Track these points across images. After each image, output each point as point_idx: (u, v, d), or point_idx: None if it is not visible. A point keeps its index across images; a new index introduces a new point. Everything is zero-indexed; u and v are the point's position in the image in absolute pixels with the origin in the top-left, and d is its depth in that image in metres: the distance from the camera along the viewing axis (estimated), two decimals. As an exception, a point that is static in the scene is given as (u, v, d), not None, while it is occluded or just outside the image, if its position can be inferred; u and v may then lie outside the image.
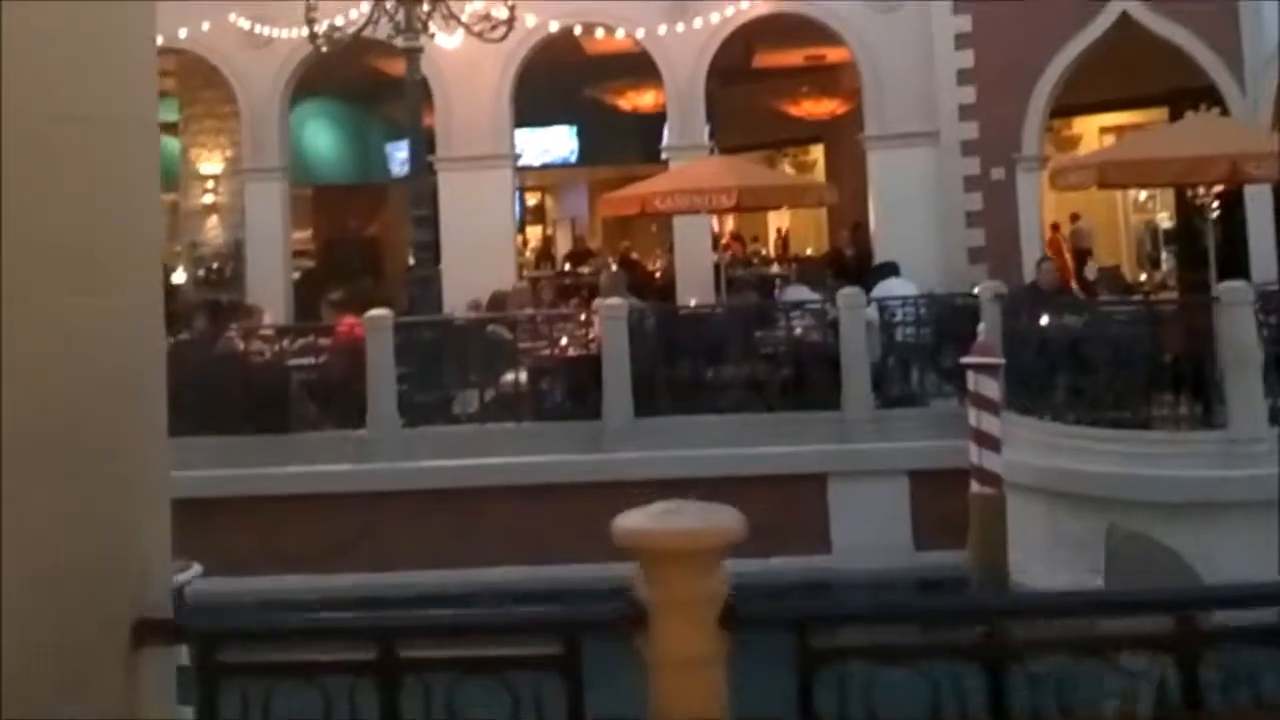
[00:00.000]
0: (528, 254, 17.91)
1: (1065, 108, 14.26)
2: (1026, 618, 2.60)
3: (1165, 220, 17.13)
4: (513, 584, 10.71)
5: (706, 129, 13.98)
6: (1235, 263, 12.60)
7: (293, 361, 11.90)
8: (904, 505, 11.01)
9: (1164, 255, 16.95)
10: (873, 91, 13.72)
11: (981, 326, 10.26)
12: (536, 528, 11.07)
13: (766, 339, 11.59)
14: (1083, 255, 16.36)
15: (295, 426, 11.53)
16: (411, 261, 13.29)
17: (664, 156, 14.38)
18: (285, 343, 12.28)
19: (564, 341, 11.89)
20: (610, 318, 11.24)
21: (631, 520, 2.32)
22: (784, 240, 19.65)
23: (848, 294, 11.15)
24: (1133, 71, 13.81)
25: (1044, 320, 10.22)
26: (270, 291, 14.77)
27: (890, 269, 12.27)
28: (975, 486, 9.90)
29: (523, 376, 11.76)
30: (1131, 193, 16.18)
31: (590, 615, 2.48)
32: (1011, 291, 11.13)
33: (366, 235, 19.00)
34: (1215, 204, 15.60)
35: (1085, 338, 9.81)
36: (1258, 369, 9.08)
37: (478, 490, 11.20)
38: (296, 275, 16.06)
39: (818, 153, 19.32)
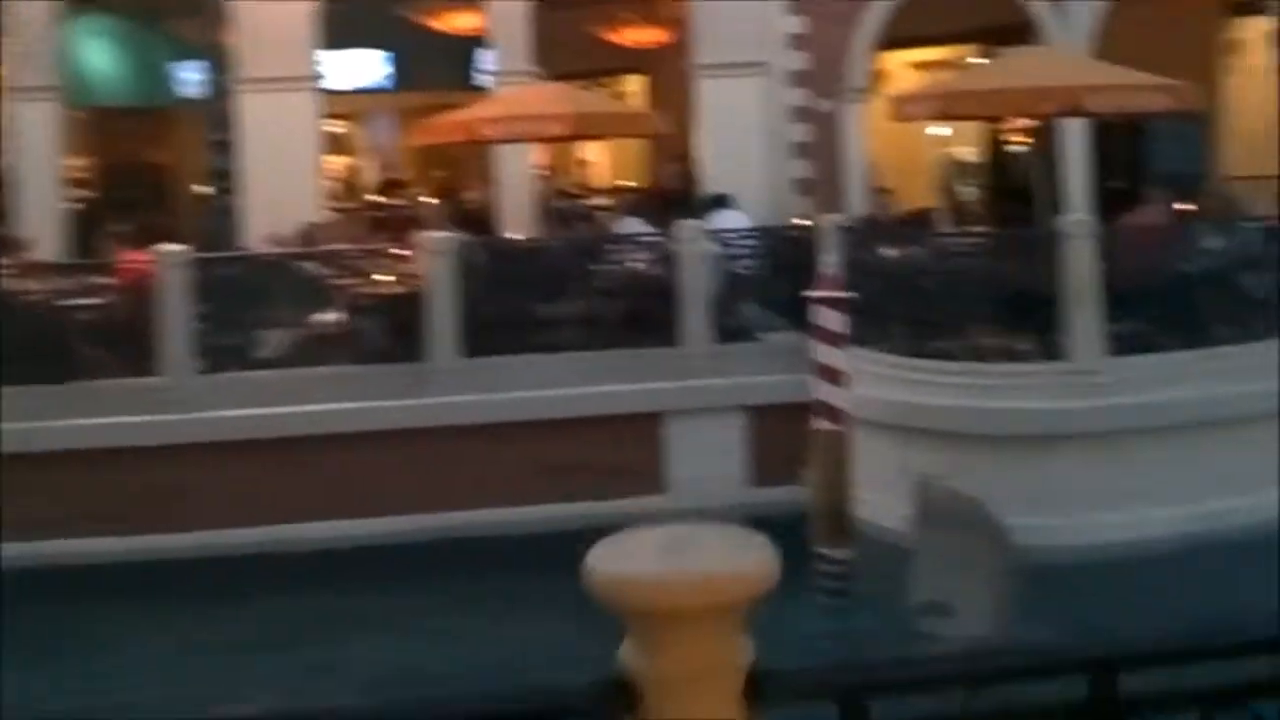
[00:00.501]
0: (334, 184, 16.83)
1: (890, 41, 14.15)
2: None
3: (969, 155, 17.32)
4: (333, 540, 10.04)
5: (532, 54, 13.27)
6: (1045, 196, 12.82)
7: (71, 301, 10.76)
8: (743, 442, 10.80)
9: (966, 190, 17.13)
10: (702, 19, 13.28)
11: (825, 259, 10.03)
12: (358, 479, 10.38)
13: (601, 274, 11.10)
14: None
15: (77, 374, 10.43)
16: (208, 191, 12.20)
17: (483, 83, 13.59)
18: (61, 280, 11.09)
19: (384, 278, 11.10)
20: (435, 251, 10.53)
21: (620, 563, 1.69)
22: (602, 173, 19.13)
23: (686, 227, 10.75)
24: (952, 6, 13.80)
25: (885, 252, 10.06)
26: (43, 223, 13.34)
27: (722, 201, 11.93)
28: (818, 422, 9.71)
29: (338, 316, 10.95)
30: (931, 127, 16.20)
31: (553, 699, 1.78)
32: (851, 223, 10.96)
33: (153, 162, 17.51)
34: (1023, 139, 15.96)
35: (927, 270, 9.70)
36: (1096, 301, 9.15)
37: (291, 440, 10.39)
38: (74, 206, 14.59)
39: (634, 84, 18.81)
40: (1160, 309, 9.45)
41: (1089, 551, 8.87)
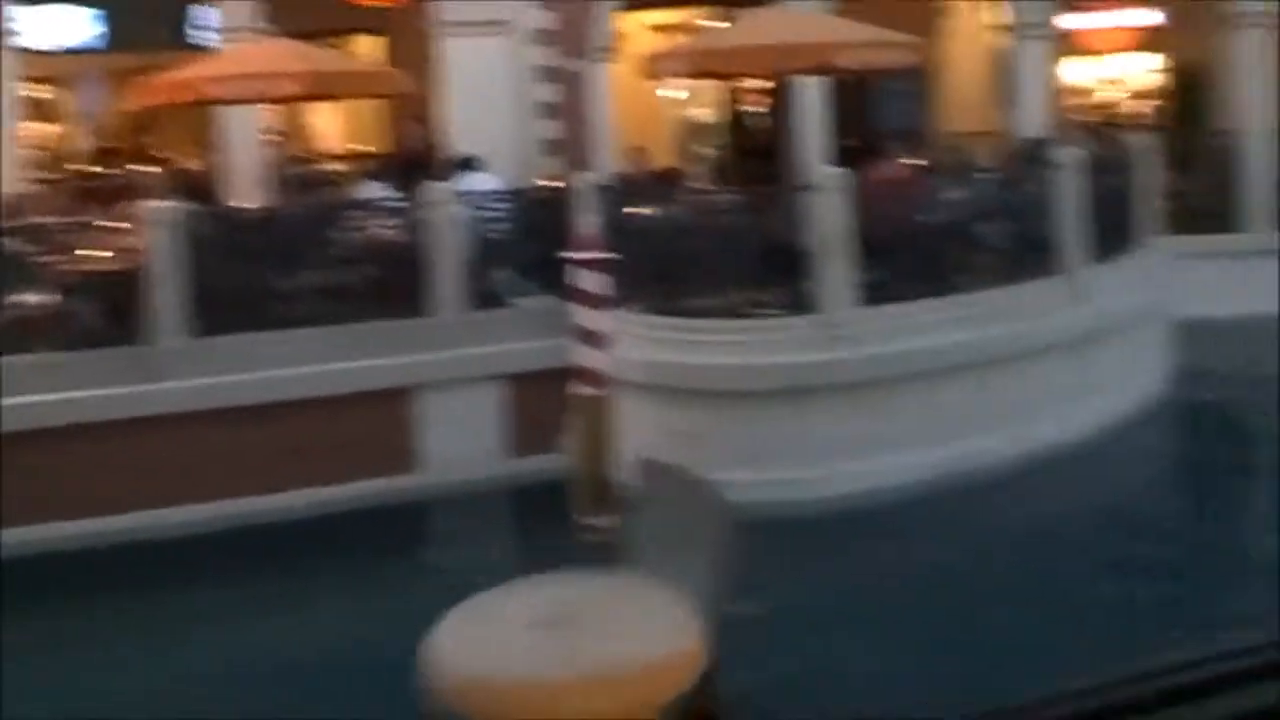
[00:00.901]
0: (38, 154, 15.32)
1: (629, 3, 14.00)
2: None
3: (706, 116, 17.45)
4: (48, 544, 9.04)
5: (259, 11, 12.37)
6: (786, 155, 13.04)
7: None
8: (501, 413, 10.45)
9: (706, 150, 17.25)
10: (440, -26, 12.71)
11: (583, 219, 9.77)
12: (73, 476, 9.40)
13: (343, 242, 10.47)
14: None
15: None
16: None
17: (204, 41, 12.59)
18: None
19: (98, 253, 10.10)
20: (156, 223, 9.64)
21: (482, 659, 1.16)
22: (334, 138, 18.23)
23: (435, 190, 10.25)
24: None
25: (641, 211, 9.89)
26: None
27: (470, 163, 11.47)
28: (577, 387, 9.48)
29: (44, 297, 9.89)
30: (667, 90, 16.21)
31: None
32: (607, 182, 10.73)
33: None
34: (760, 99, 16.21)
35: (682, 228, 9.59)
36: (845, 254, 9.26)
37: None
38: None
39: (366, 45, 18.00)
40: (905, 260, 9.68)
41: (843, 501, 9.02)
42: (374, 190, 11.34)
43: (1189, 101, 15.85)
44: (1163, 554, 8.85)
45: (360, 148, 16.81)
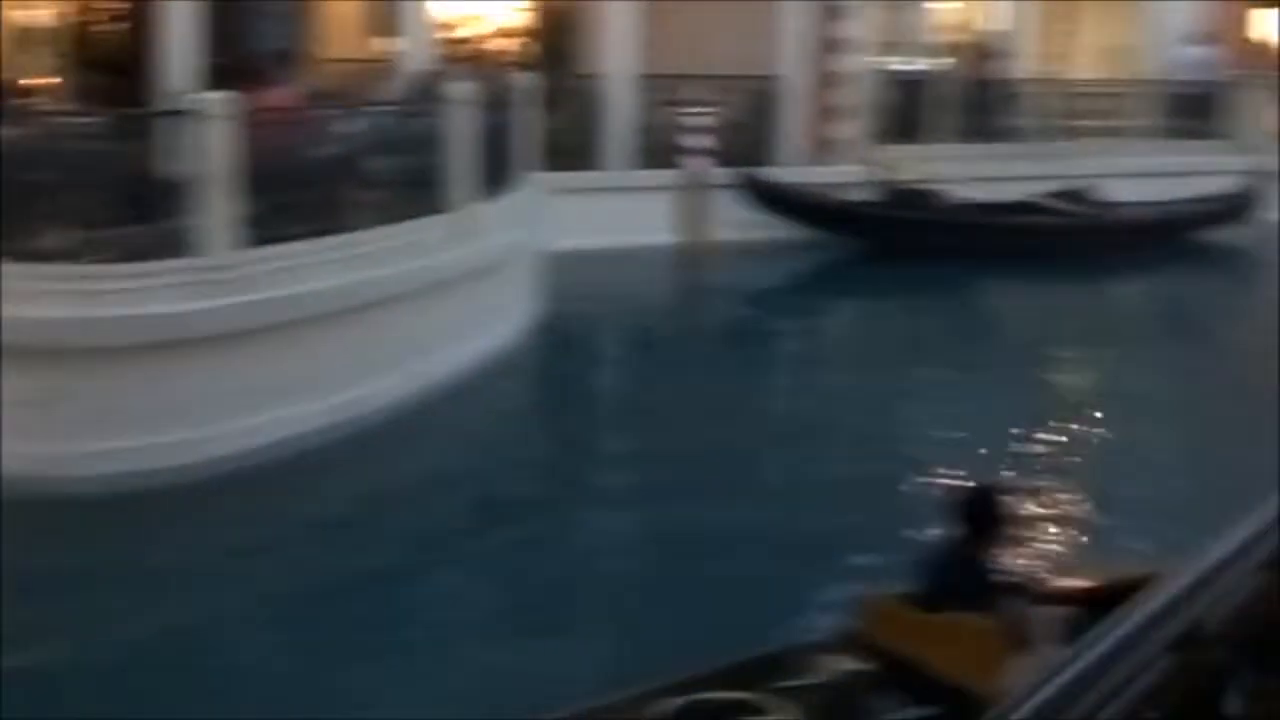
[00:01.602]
0: None
1: None
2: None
3: (43, 19, 15.15)
4: None
5: None
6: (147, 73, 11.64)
7: None
8: None
9: (40, 61, 15.00)
10: None
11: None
12: None
13: None
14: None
15: None
16: None
17: None
18: None
19: None
20: None
21: None
22: None
23: None
24: None
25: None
26: None
27: None
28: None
29: None
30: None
31: None
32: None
33: None
34: (116, 6, 14.29)
35: (23, 155, 8.06)
36: (229, 190, 8.33)
37: None
38: None
39: None
40: (293, 197, 8.94)
41: (227, 462, 8.24)
42: None
43: (555, 43, 16.50)
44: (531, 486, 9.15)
45: None
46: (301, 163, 9.15)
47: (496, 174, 11.26)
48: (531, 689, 5.49)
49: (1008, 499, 5.10)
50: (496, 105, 11.31)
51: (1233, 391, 11.30)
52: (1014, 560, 5.58)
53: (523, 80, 12.78)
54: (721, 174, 16.18)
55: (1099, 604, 3.89)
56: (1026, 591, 4.84)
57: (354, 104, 11.16)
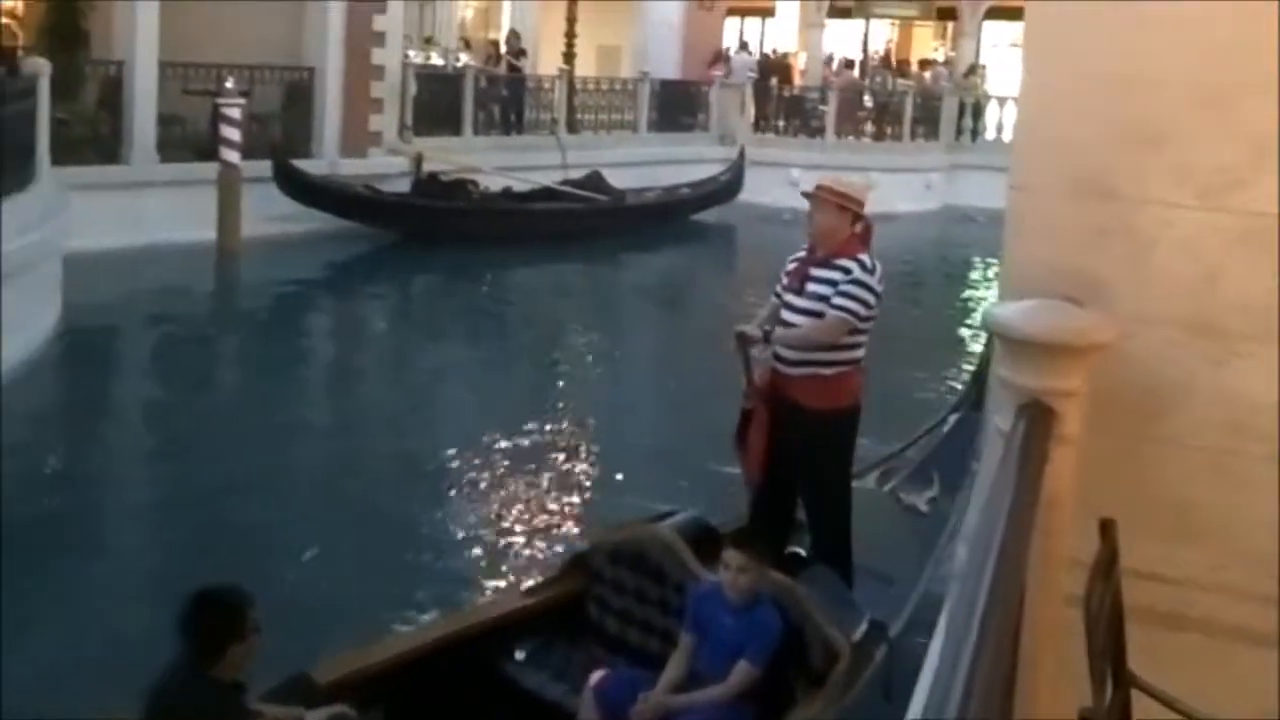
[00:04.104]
0: None
1: None
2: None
3: None
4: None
5: None
6: None
7: None
8: None
9: None
10: None
11: None
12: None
13: None
14: None
15: None
16: None
17: None
18: None
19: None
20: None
21: None
22: None
23: None
24: None
25: None
26: None
27: None
28: None
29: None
30: None
31: None
32: None
33: None
34: None
35: None
36: None
37: None
38: None
39: None
40: None
41: None
42: None
43: (66, 26, 15.20)
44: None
45: None
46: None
47: (12, 171, 10.35)
48: None
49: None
50: (5, 94, 10.37)
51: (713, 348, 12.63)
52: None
53: (37, 66, 11.80)
54: (257, 166, 15.73)
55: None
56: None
57: None
